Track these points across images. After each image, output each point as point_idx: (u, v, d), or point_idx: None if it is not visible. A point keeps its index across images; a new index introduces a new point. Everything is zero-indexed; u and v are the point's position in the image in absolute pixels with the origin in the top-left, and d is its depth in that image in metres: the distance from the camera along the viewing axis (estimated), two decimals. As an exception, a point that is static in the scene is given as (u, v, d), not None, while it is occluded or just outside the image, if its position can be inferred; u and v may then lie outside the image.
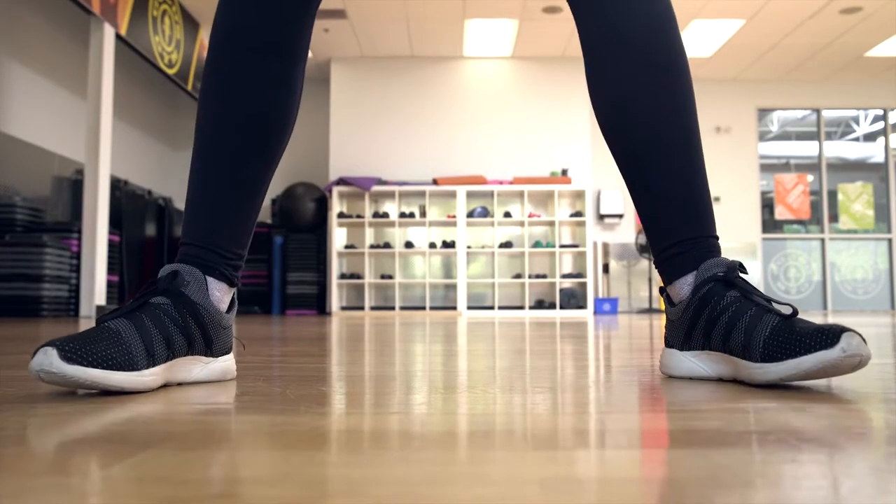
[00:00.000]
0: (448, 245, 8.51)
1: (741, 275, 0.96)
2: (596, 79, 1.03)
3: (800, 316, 0.86)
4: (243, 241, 1.02)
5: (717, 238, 1.00)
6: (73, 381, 0.78)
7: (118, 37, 6.25)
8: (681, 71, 1.00)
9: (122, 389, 0.83)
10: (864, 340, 0.81)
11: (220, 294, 0.99)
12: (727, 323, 0.91)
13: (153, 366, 0.87)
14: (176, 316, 0.91)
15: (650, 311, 8.88)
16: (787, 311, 0.89)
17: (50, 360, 0.77)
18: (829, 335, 0.81)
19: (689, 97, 1.00)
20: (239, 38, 0.99)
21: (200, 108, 1.01)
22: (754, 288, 0.93)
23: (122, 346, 0.83)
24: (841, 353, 0.80)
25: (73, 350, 0.78)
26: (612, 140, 1.03)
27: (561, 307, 8.42)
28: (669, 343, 1.03)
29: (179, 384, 0.95)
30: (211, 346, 0.97)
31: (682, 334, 0.99)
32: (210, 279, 0.97)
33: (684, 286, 0.99)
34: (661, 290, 1.05)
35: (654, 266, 1.05)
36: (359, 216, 8.52)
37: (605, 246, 9.42)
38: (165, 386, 0.93)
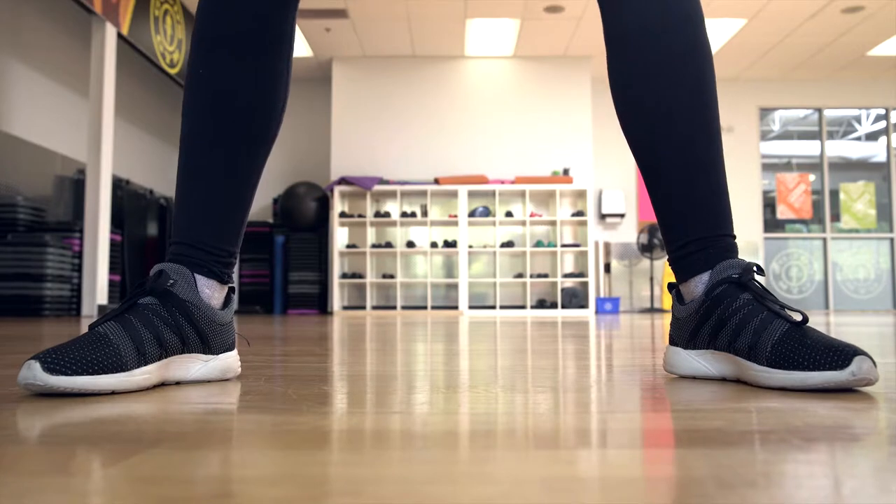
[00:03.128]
0: (450, 244, 8.50)
1: (756, 276, 0.95)
2: (616, 70, 1.02)
3: (809, 324, 0.86)
4: (233, 239, 1.01)
5: (733, 237, 1.00)
6: (60, 391, 0.79)
7: (120, 36, 6.25)
8: (702, 66, 0.99)
9: (113, 392, 0.82)
10: (874, 364, 0.81)
11: (211, 291, 0.98)
12: (737, 325, 0.91)
13: (145, 365, 0.86)
14: (165, 315, 0.91)
15: (652, 310, 8.87)
16: (797, 318, 0.89)
17: (34, 373, 0.77)
18: (841, 356, 0.80)
19: (711, 94, 0.99)
20: (220, 33, 0.99)
21: (184, 105, 1.01)
22: (768, 292, 0.93)
23: (110, 349, 0.83)
24: (850, 377, 0.80)
25: (56, 360, 0.78)
26: (630, 132, 1.03)
27: (562, 307, 8.41)
28: (674, 341, 1.02)
29: (178, 383, 0.95)
30: (208, 343, 0.97)
31: (687, 333, 0.99)
32: (199, 277, 0.96)
33: (699, 285, 0.98)
34: (671, 287, 1.05)
35: (667, 262, 1.04)
36: (360, 216, 8.52)
37: (607, 245, 9.41)
38: (165, 385, 0.93)
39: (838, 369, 0.80)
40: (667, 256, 1.04)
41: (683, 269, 1.00)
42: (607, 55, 1.04)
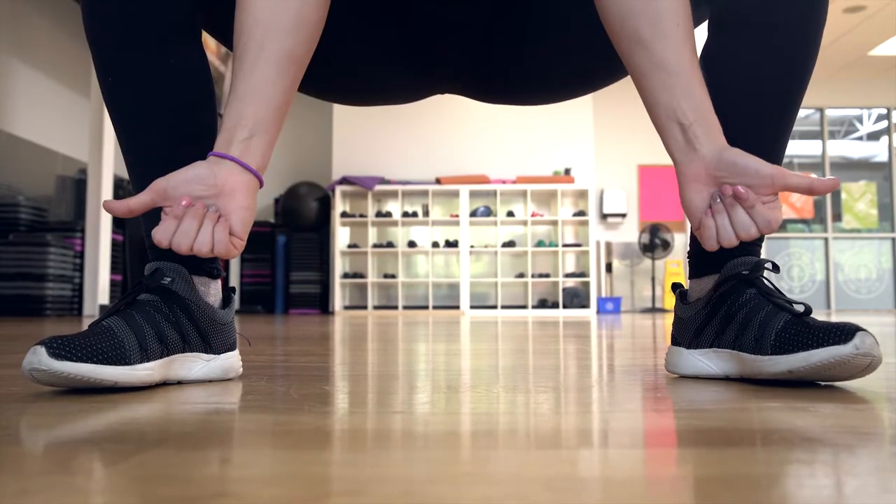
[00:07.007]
0: (451, 244, 8.50)
1: (768, 273, 0.95)
2: (711, 57, 0.99)
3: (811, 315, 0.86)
4: None
5: (759, 245, 0.98)
6: (63, 377, 0.78)
7: (121, 36, 6.24)
8: (802, 75, 0.96)
9: (116, 383, 0.82)
10: (877, 342, 0.81)
11: (206, 288, 0.98)
12: (743, 320, 0.91)
13: (147, 361, 0.86)
14: (166, 311, 0.91)
15: (653, 310, 8.87)
16: (800, 309, 0.88)
17: (39, 358, 0.77)
18: (844, 332, 0.80)
19: (797, 102, 0.97)
20: (116, 32, 0.92)
21: (111, 118, 0.96)
22: (775, 288, 0.93)
23: (114, 341, 0.83)
24: (854, 350, 0.79)
25: (62, 346, 0.78)
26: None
27: (564, 307, 8.41)
28: (676, 341, 1.02)
29: (179, 382, 0.95)
30: (209, 342, 0.97)
31: (691, 332, 0.99)
32: (192, 276, 0.96)
33: (710, 282, 0.98)
34: (674, 287, 1.05)
35: (687, 255, 1.04)
36: (362, 215, 8.52)
37: (608, 245, 9.41)
38: (166, 385, 0.93)
39: (841, 343, 0.79)
40: (688, 249, 1.03)
41: (703, 264, 1.00)
42: (708, 40, 1.00)
